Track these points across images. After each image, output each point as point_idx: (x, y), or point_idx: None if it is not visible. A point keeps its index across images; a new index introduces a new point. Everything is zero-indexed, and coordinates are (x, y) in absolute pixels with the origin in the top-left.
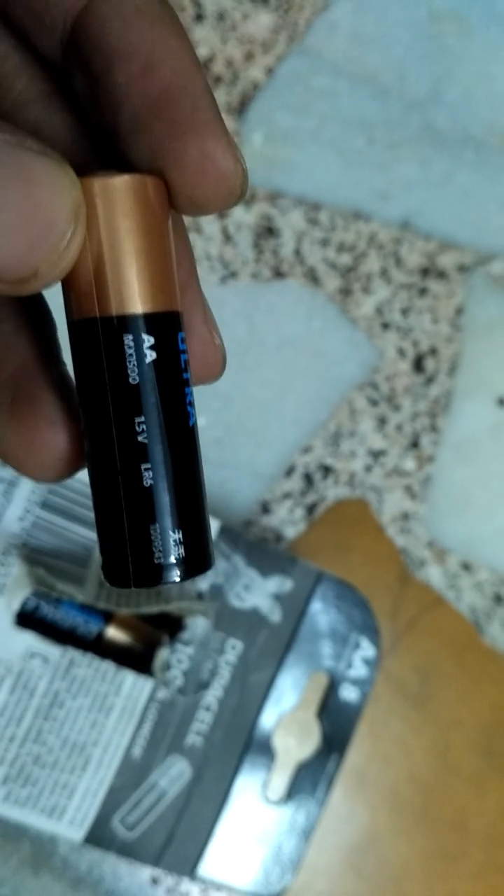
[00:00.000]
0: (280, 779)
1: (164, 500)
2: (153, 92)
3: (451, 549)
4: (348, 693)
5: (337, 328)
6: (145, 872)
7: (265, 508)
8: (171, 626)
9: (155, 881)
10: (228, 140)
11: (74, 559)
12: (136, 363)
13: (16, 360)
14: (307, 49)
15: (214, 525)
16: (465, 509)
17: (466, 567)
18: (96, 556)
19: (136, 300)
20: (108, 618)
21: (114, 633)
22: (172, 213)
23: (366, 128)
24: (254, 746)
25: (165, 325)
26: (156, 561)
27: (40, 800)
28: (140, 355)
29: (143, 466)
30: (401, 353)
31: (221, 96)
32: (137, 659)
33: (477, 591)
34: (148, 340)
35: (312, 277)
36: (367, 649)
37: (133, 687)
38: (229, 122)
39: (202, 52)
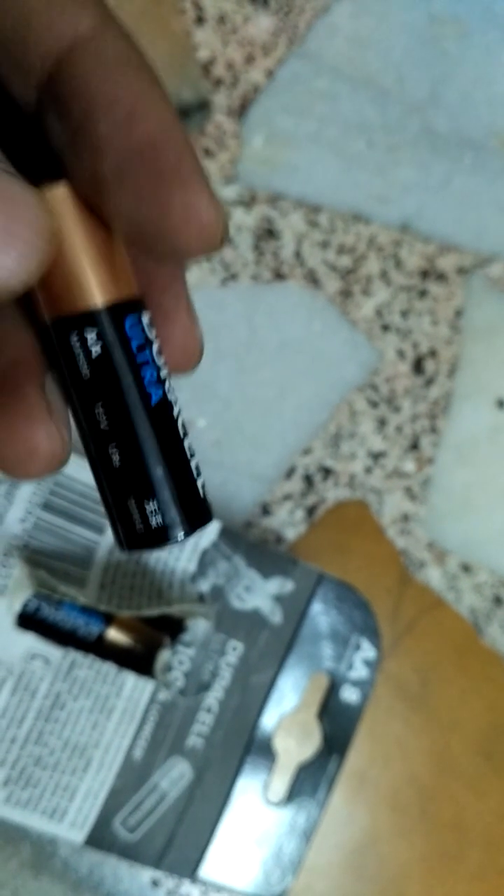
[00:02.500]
0: (281, 780)
1: (135, 476)
2: (137, 142)
3: (450, 550)
4: (349, 694)
5: (337, 330)
6: (146, 874)
7: (265, 510)
8: (172, 627)
9: (155, 883)
10: (210, 192)
11: (76, 561)
12: (84, 358)
13: (8, 356)
14: (307, 52)
15: (215, 526)
16: (465, 511)
17: (466, 568)
18: (98, 557)
19: (75, 300)
20: (108, 619)
21: (115, 634)
22: None
23: (365, 130)
24: (255, 748)
25: (111, 316)
26: (137, 530)
27: (41, 801)
28: (86, 351)
29: (109, 450)
30: (401, 354)
31: (222, 99)
32: (138, 660)
33: (477, 593)
34: (91, 336)
35: (312, 279)
36: (367, 651)
37: (134, 688)
38: (230, 125)
39: (203, 54)
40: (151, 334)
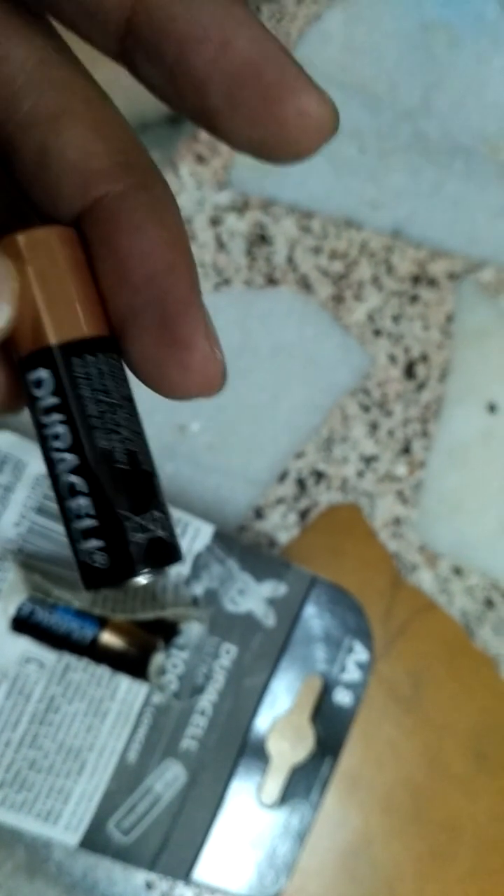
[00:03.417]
0: (274, 782)
1: (78, 521)
2: (236, 66)
3: (442, 553)
4: (342, 697)
5: (329, 335)
6: (139, 877)
7: (258, 514)
8: (165, 630)
9: (149, 886)
10: (318, 89)
11: (70, 565)
12: (31, 397)
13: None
14: (300, 58)
15: (208, 530)
16: (456, 514)
17: (458, 571)
18: None
19: (21, 344)
20: (102, 623)
21: (108, 638)
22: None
23: (357, 137)
24: (248, 750)
25: (22, 369)
26: (89, 566)
27: (35, 804)
28: (30, 391)
29: (56, 495)
30: (392, 359)
31: None
32: (132, 664)
33: (468, 596)
34: (34, 376)
35: (305, 284)
36: (360, 653)
37: (128, 692)
38: None
39: None
40: (67, 387)
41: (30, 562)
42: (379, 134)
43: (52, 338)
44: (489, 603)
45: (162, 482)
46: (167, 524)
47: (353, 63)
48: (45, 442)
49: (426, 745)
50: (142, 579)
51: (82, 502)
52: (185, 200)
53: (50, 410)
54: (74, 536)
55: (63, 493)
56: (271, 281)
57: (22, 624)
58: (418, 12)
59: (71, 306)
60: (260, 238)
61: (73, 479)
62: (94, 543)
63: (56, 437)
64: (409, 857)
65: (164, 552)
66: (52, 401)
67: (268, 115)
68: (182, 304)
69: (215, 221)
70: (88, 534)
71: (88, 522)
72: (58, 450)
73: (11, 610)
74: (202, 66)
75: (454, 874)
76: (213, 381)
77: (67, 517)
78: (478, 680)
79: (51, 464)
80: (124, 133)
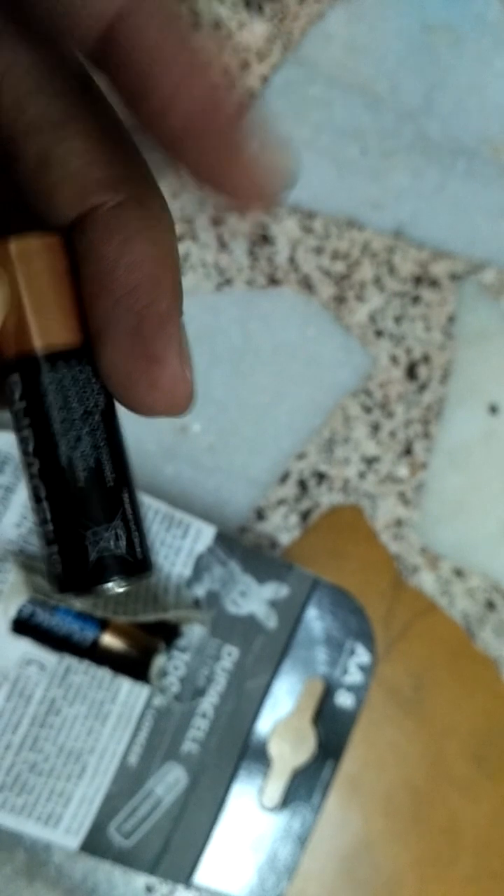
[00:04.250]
0: (276, 785)
1: (42, 525)
2: (201, 94)
3: (443, 555)
4: (344, 699)
5: (331, 335)
6: (140, 881)
7: (260, 515)
8: (167, 632)
9: (150, 889)
10: (270, 134)
11: None
12: (9, 400)
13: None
14: (302, 58)
15: (210, 531)
16: (458, 516)
17: (459, 573)
18: None
19: (4, 348)
20: (103, 625)
21: (109, 640)
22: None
23: (359, 137)
24: (250, 753)
25: (26, 364)
26: (50, 571)
27: (36, 808)
28: (9, 394)
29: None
30: (394, 360)
31: None
32: (134, 666)
33: (469, 597)
34: (12, 380)
35: (307, 285)
36: (362, 656)
37: (129, 694)
38: None
39: None
40: (15, 395)
41: (31, 563)
42: (381, 134)
43: (30, 344)
44: (490, 605)
45: (138, 494)
46: (132, 538)
47: (355, 63)
48: (18, 444)
49: (427, 747)
50: (106, 588)
51: (44, 507)
52: (187, 200)
53: (20, 414)
54: (42, 539)
55: (31, 495)
56: (273, 281)
57: (23, 626)
58: (420, 12)
59: (52, 314)
60: (262, 238)
61: (37, 483)
62: (53, 549)
63: (24, 440)
64: (411, 860)
65: (123, 566)
66: (21, 405)
67: (224, 151)
68: (160, 319)
69: (217, 221)
70: (49, 539)
71: (49, 527)
72: (26, 453)
73: (12, 611)
74: (168, 89)
75: (455, 877)
76: (179, 402)
77: (35, 521)
78: (479, 682)
79: (24, 466)
80: (127, 144)
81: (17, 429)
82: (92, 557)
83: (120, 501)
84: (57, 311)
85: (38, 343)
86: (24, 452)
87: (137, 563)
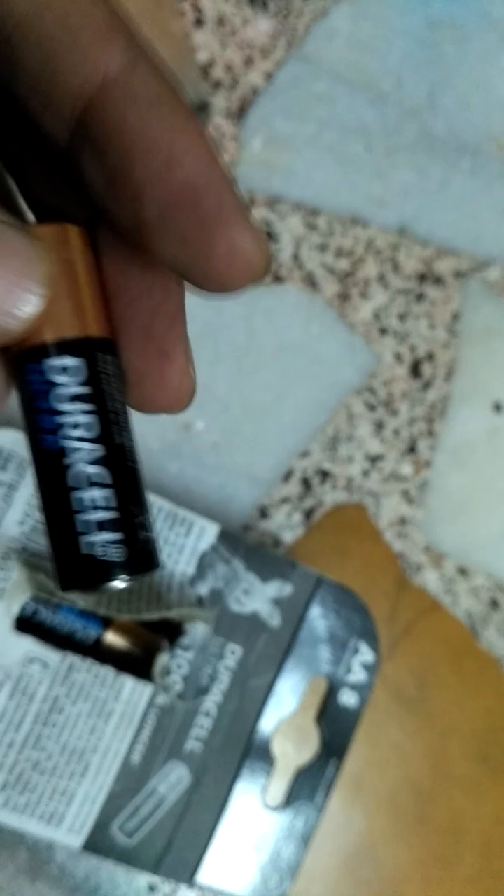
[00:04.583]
0: (279, 784)
1: (92, 513)
2: (177, 188)
3: (447, 553)
4: (347, 698)
5: (335, 333)
6: (142, 879)
7: (263, 513)
8: (170, 631)
9: (153, 888)
10: (252, 228)
11: None
12: (48, 383)
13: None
14: (306, 55)
15: (213, 529)
16: (462, 514)
17: (463, 572)
18: None
19: (45, 330)
20: (106, 623)
21: (113, 638)
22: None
23: (364, 134)
24: (253, 752)
25: (17, 363)
26: (97, 560)
27: (39, 806)
28: (49, 378)
29: (57, 486)
30: (398, 358)
31: (221, 101)
32: (137, 664)
33: (473, 596)
34: (60, 363)
35: (311, 282)
36: (366, 654)
37: (132, 692)
38: (229, 127)
39: (202, 56)
40: (62, 380)
41: (34, 561)
42: (385, 131)
43: (88, 330)
44: (494, 604)
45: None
46: (151, 531)
47: (359, 60)
48: (58, 430)
49: (431, 746)
50: (137, 579)
51: (100, 494)
52: None
53: (75, 399)
54: (82, 529)
55: (75, 483)
56: (277, 278)
57: (25, 624)
58: (425, 9)
59: (99, 304)
60: (266, 235)
61: (94, 469)
62: (108, 536)
63: (76, 426)
64: (414, 860)
65: (156, 552)
66: (78, 390)
67: (198, 243)
68: (171, 315)
69: None
70: (104, 526)
71: (105, 515)
72: (79, 439)
73: (15, 609)
74: (143, 178)
75: (459, 877)
76: (184, 398)
77: (75, 509)
78: (483, 681)
79: (58, 454)
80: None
81: (62, 412)
82: (145, 541)
83: (144, 493)
84: (102, 302)
85: (99, 328)
86: (74, 438)
87: (154, 556)
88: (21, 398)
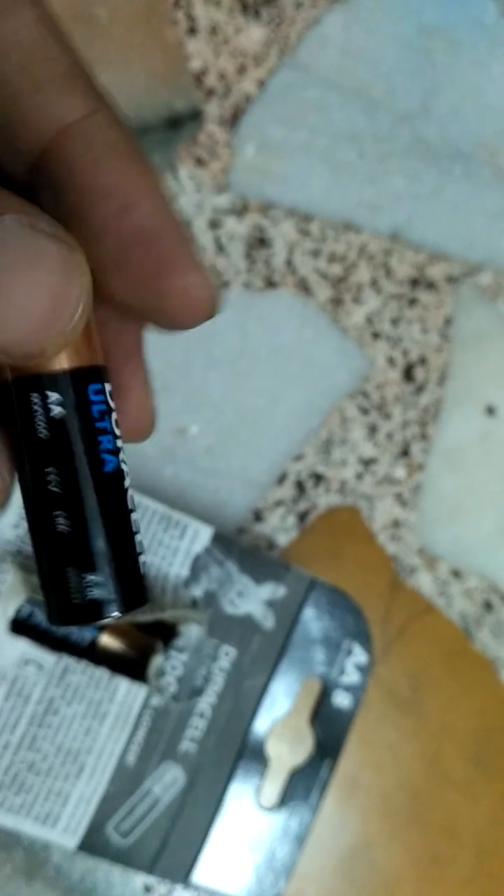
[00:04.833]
0: (273, 785)
1: (78, 545)
2: (132, 233)
3: (441, 556)
4: (341, 699)
5: (328, 337)
6: (138, 880)
7: (257, 516)
8: (164, 632)
9: (148, 889)
10: (202, 272)
11: None
12: (43, 419)
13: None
14: (298, 62)
15: (207, 532)
16: (455, 517)
17: (456, 574)
18: None
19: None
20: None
21: (107, 640)
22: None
23: (356, 140)
24: (247, 753)
25: (74, 380)
26: (73, 601)
27: (34, 807)
28: (46, 411)
29: (54, 515)
30: (391, 362)
31: (214, 108)
32: (131, 666)
33: (467, 598)
34: (53, 397)
35: (304, 287)
36: (359, 656)
37: (127, 694)
38: (223, 135)
39: (195, 64)
40: (112, 403)
41: (29, 563)
42: (377, 137)
43: (95, 356)
44: (488, 605)
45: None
46: (141, 565)
47: (351, 67)
48: (119, 452)
49: (424, 748)
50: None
51: (136, 517)
52: (185, 203)
53: (116, 423)
54: (140, 549)
55: (133, 505)
56: (270, 284)
57: (21, 625)
58: (417, 16)
59: (83, 330)
60: (259, 241)
61: (131, 493)
62: (107, 568)
63: (64, 462)
64: (409, 861)
65: (143, 591)
66: (115, 414)
67: (153, 286)
68: (127, 350)
69: (214, 224)
70: (95, 560)
71: (101, 544)
72: (75, 467)
73: (10, 611)
74: (99, 221)
75: (453, 877)
76: (142, 430)
77: (135, 530)
78: (476, 683)
79: (119, 476)
80: (90, 75)
81: (49, 448)
82: (142, 570)
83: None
84: (85, 327)
85: (80, 360)
86: (58, 474)
87: (144, 592)
88: (66, 421)
